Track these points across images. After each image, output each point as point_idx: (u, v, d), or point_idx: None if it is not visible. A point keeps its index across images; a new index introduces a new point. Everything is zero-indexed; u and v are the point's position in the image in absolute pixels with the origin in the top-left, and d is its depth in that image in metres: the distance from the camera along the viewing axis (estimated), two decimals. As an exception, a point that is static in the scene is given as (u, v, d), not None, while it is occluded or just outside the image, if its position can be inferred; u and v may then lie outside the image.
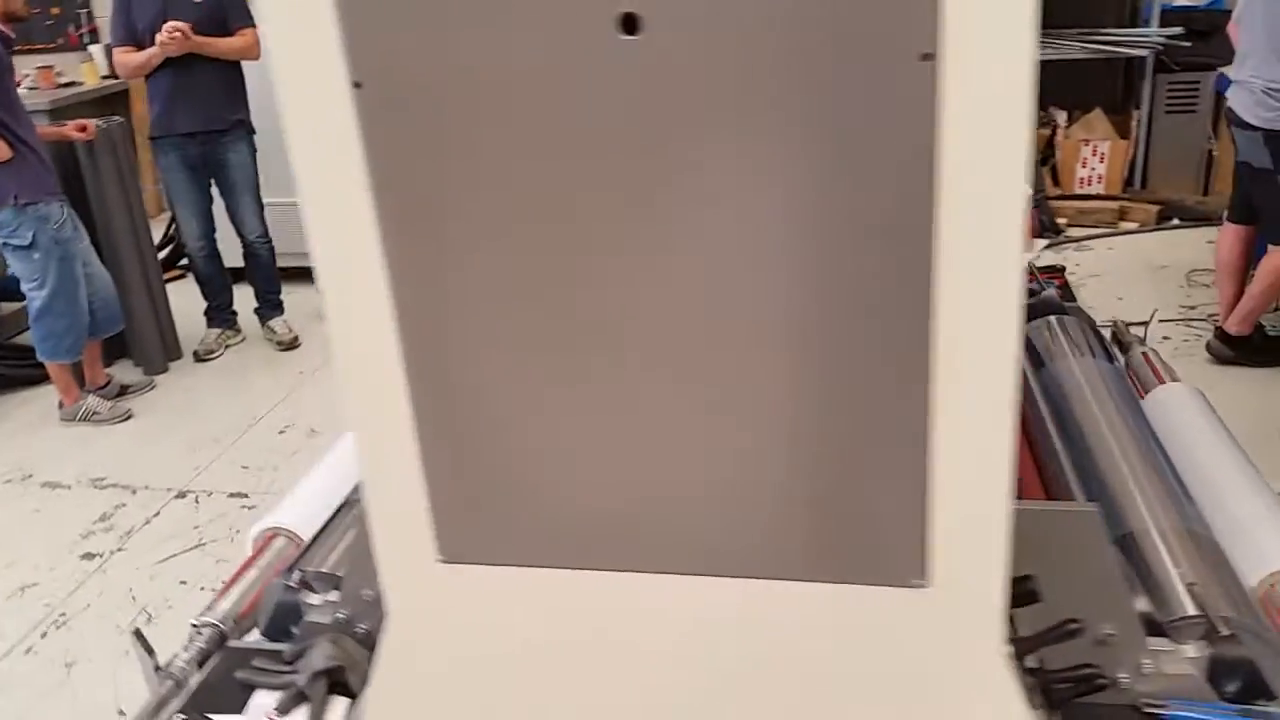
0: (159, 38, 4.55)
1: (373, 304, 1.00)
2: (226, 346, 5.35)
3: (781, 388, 0.96)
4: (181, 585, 3.37)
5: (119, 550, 3.64)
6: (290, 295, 5.42)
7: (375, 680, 1.19)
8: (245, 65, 4.89)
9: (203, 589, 3.31)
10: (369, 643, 1.38)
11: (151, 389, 4.91)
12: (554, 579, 1.07)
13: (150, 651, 1.47)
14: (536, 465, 1.04)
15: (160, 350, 5.11)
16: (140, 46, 4.67)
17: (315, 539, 1.70)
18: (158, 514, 3.84)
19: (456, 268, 0.97)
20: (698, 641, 1.07)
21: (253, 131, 4.97)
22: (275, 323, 5.37)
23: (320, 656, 1.37)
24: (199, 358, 5.22)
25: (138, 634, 1.49)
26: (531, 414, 1.02)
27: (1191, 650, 1.27)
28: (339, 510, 1.78)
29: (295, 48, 0.92)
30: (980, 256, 0.88)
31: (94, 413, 4.54)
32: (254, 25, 4.82)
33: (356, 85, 0.92)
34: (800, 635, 1.05)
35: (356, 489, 1.85)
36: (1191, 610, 1.28)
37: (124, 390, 4.77)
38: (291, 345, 5.31)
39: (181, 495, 3.96)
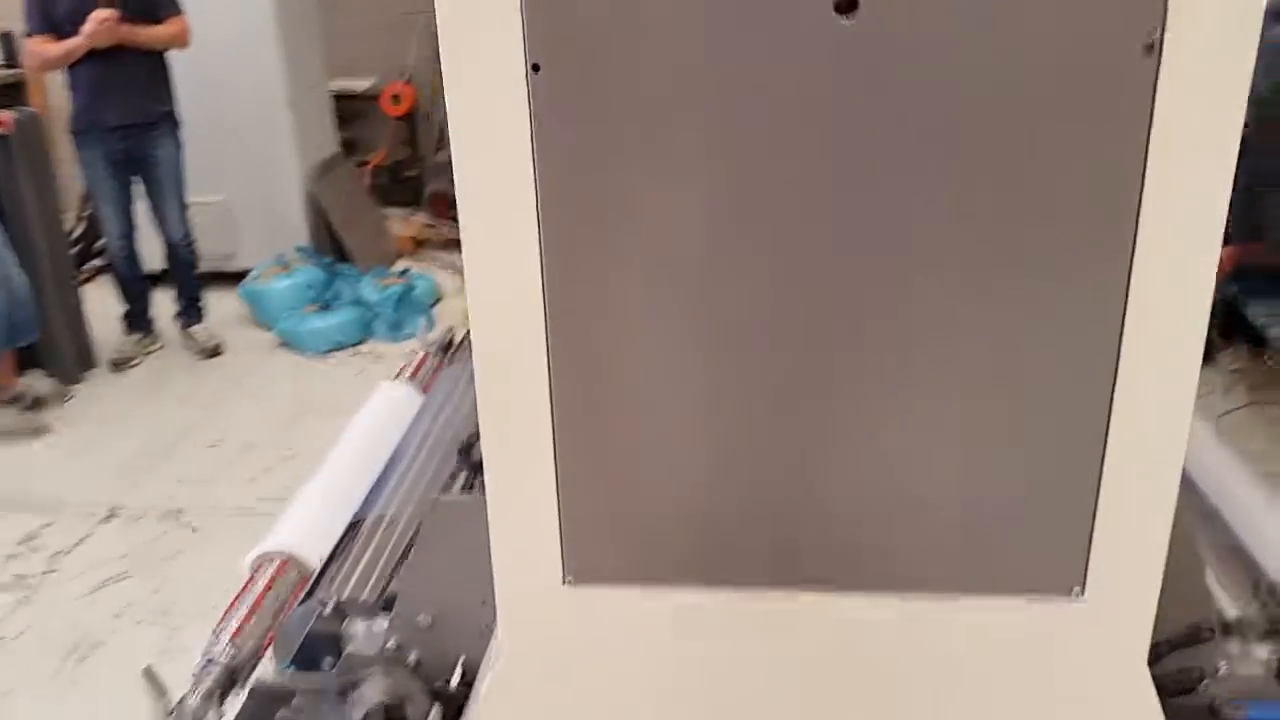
0: (85, 27, 4.30)
1: (524, 307, 0.93)
2: (145, 354, 5.07)
3: (959, 398, 0.93)
4: (116, 619, 3.14)
5: (48, 573, 3.39)
6: (210, 301, 5.19)
7: (481, 713, 1.11)
8: (171, 55, 4.66)
9: (140, 621, 3.10)
10: (421, 674, 1.30)
11: (70, 400, 4.62)
12: (695, 599, 1.02)
13: (162, 691, 1.35)
14: (682, 477, 0.99)
15: (75, 358, 4.81)
16: (59, 36, 4.40)
17: (328, 564, 1.60)
18: (85, 538, 3.59)
19: (617, 269, 0.92)
20: (852, 661, 1.03)
21: (179, 125, 4.74)
22: (197, 330, 5.12)
23: (375, 690, 1.28)
24: (116, 366, 4.94)
25: (148, 672, 1.35)
26: (679, 423, 0.97)
27: (1263, 651, 1.30)
28: (347, 532, 1.68)
29: (468, 28, 0.85)
30: (1172, 283, 0.87)
31: (6, 428, 4.25)
32: (182, 12, 4.61)
33: (535, 68, 0.86)
34: (958, 652, 1.02)
35: (364, 507, 1.75)
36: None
37: (38, 402, 4.47)
38: (214, 353, 5.06)
39: (110, 517, 3.71)
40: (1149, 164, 0.84)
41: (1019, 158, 0.86)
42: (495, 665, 1.08)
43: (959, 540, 0.99)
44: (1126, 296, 0.88)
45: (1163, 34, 0.81)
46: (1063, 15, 0.81)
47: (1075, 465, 0.94)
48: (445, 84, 0.86)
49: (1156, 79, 0.82)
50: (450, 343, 2.53)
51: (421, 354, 2.42)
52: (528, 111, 0.87)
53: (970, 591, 1.00)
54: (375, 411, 2.08)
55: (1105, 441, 0.93)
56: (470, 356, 0.98)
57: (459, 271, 2.90)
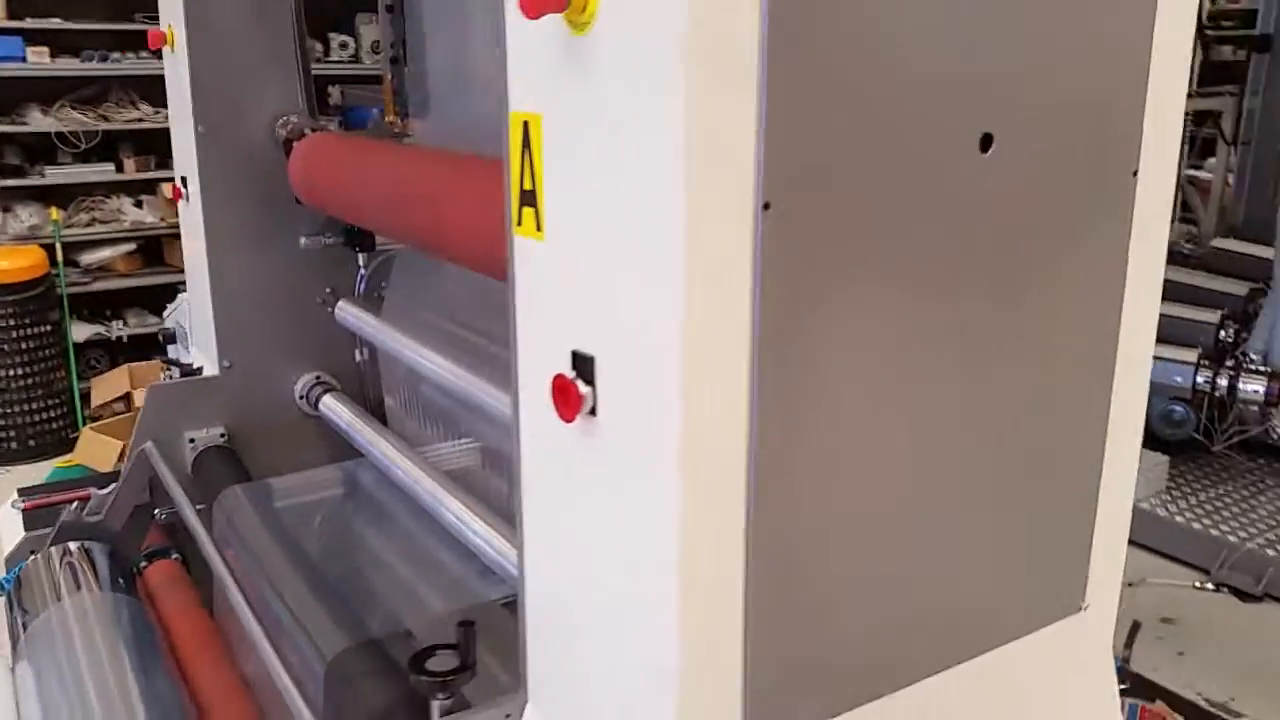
0: None
1: (730, 443, 0.88)
2: None
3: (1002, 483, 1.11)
4: None
5: None
6: None
7: None
8: None
9: None
10: None
11: None
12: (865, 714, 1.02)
13: None
14: (865, 603, 1.01)
15: None
16: None
17: None
18: None
19: (832, 393, 0.93)
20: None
21: None
22: None
23: None
24: None
25: None
26: (871, 549, 1.00)
27: None
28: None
29: (710, 171, 0.81)
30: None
31: None
32: None
33: (765, 207, 0.84)
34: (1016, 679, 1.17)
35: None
36: None
37: None
38: None
39: None
40: (1130, 260, 1.11)
41: (1056, 255, 1.07)
42: None
43: (1018, 592, 1.15)
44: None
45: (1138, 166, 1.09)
46: (1090, 154, 1.05)
47: (1080, 513, 1.18)
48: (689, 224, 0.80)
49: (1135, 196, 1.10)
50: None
51: None
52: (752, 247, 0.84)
53: (1023, 632, 1.16)
54: None
55: (1100, 480, 1.18)
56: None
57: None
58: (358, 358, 2.36)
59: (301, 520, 1.98)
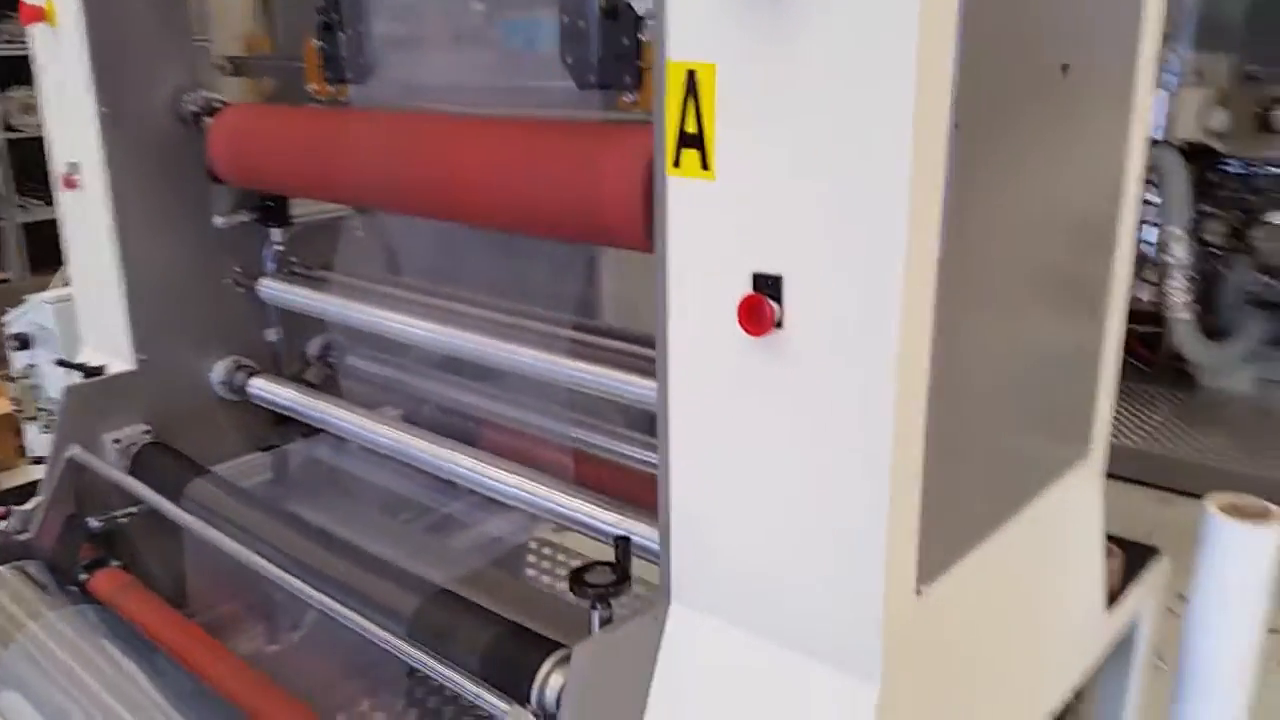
0: None
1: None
2: None
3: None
4: None
5: None
6: None
7: None
8: None
9: None
10: None
11: None
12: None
13: None
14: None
15: None
16: None
17: None
18: None
19: (978, 291, 1.10)
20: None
21: None
22: None
23: None
24: None
25: None
26: (987, 430, 1.19)
27: None
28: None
29: (925, 100, 0.95)
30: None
31: None
32: None
33: (956, 126, 1.00)
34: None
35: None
36: None
37: None
38: None
39: None
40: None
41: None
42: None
43: (1057, 444, 1.39)
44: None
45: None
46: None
47: (1087, 389, 1.44)
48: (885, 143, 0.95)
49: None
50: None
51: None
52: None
53: (1063, 473, 1.41)
54: None
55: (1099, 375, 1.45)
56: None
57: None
58: (272, 337, 2.30)
59: (284, 497, 1.94)
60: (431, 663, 1.32)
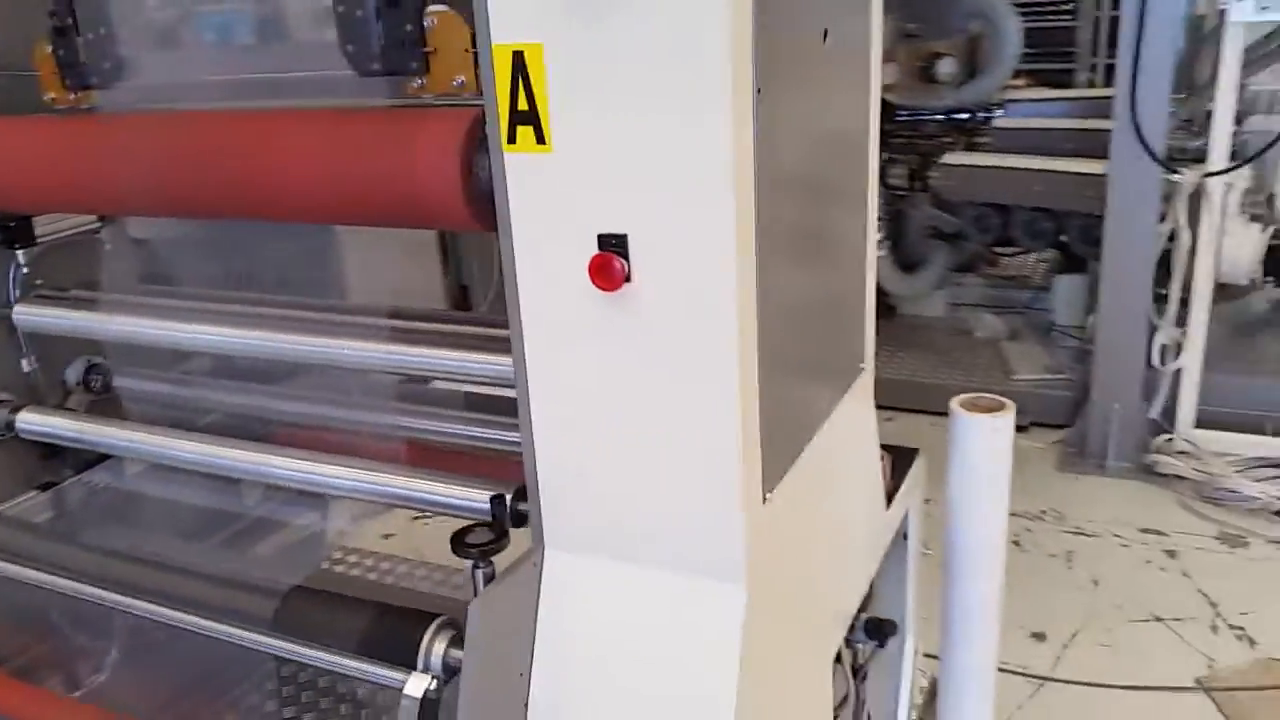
0: None
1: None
2: None
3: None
4: None
5: None
6: None
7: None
8: None
9: None
10: None
11: None
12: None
13: None
14: None
15: None
16: None
17: None
18: None
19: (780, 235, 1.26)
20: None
21: None
22: None
23: None
24: None
25: None
26: (795, 355, 1.36)
27: None
28: None
29: (734, 68, 1.09)
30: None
31: None
32: None
33: (758, 91, 1.15)
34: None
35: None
36: None
37: None
38: None
39: None
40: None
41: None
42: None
43: (844, 360, 1.61)
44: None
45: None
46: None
47: (859, 310, 1.66)
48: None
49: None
50: None
51: None
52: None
53: (843, 389, 1.63)
54: None
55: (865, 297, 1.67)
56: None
57: None
58: (26, 367, 2.13)
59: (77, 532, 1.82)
60: (310, 651, 1.34)
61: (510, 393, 1.33)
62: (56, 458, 2.13)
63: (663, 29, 1.09)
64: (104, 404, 2.18)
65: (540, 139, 1.18)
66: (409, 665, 1.32)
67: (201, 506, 2.00)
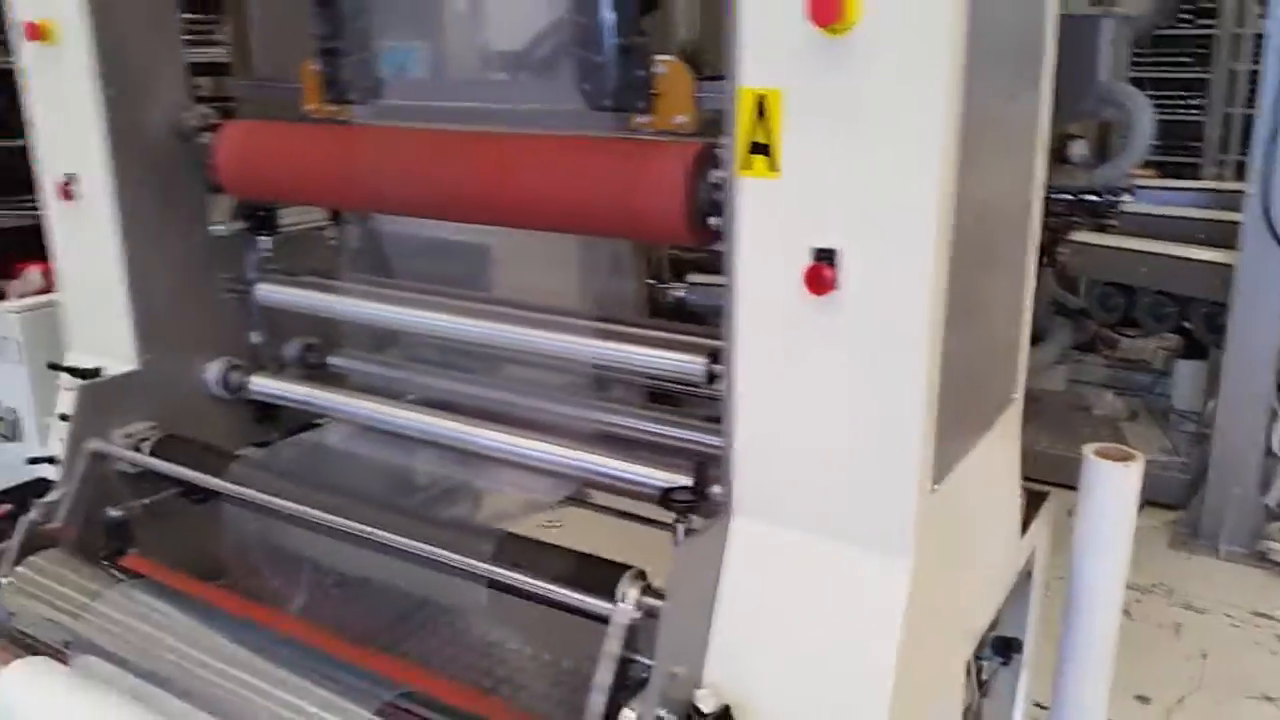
0: None
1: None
2: None
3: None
4: None
5: None
6: None
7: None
8: None
9: None
10: None
11: None
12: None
13: None
14: None
15: None
16: None
17: None
18: None
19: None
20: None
21: None
22: None
23: None
24: None
25: None
26: (969, 367, 1.57)
27: None
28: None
29: (953, 117, 1.32)
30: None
31: None
32: None
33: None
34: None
35: None
36: None
37: None
38: None
39: None
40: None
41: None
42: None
43: (999, 388, 1.80)
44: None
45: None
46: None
47: (1015, 345, 1.86)
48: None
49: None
50: None
51: None
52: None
53: (1003, 410, 1.82)
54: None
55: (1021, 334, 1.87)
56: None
57: None
58: (255, 339, 2.46)
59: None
60: (526, 579, 1.58)
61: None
62: (269, 420, 2.45)
63: (890, 81, 1.32)
64: (316, 379, 2.49)
65: (772, 166, 1.42)
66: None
67: (392, 473, 2.28)
